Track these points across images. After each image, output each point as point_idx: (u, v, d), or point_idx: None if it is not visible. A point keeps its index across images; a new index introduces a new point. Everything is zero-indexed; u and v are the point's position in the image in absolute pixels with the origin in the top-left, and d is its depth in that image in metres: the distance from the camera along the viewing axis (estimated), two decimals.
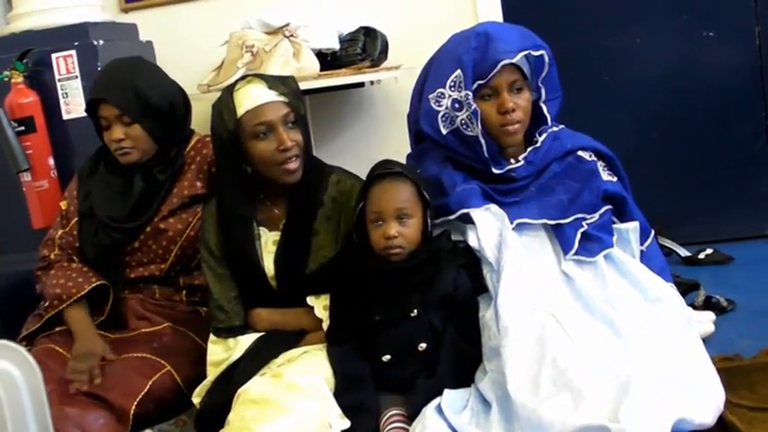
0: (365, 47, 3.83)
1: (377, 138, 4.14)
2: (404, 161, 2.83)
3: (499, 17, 4.14)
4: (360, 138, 4.18)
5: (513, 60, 2.60)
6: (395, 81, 3.94)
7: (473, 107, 2.62)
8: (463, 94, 2.63)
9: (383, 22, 4.02)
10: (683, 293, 3.21)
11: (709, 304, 3.28)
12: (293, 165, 2.63)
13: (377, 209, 2.52)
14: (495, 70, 2.60)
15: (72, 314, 2.88)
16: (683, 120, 4.24)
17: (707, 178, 4.28)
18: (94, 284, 2.90)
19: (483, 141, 2.64)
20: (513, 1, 4.22)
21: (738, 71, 4.21)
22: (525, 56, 2.65)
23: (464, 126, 2.66)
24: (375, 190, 2.54)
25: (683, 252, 4.02)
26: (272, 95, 2.63)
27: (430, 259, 2.53)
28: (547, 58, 2.71)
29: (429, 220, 2.59)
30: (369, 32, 3.90)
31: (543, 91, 2.75)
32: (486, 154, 2.66)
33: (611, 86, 4.23)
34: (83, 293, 2.88)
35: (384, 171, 2.56)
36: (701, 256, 3.98)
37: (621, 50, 4.24)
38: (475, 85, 2.63)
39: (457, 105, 2.66)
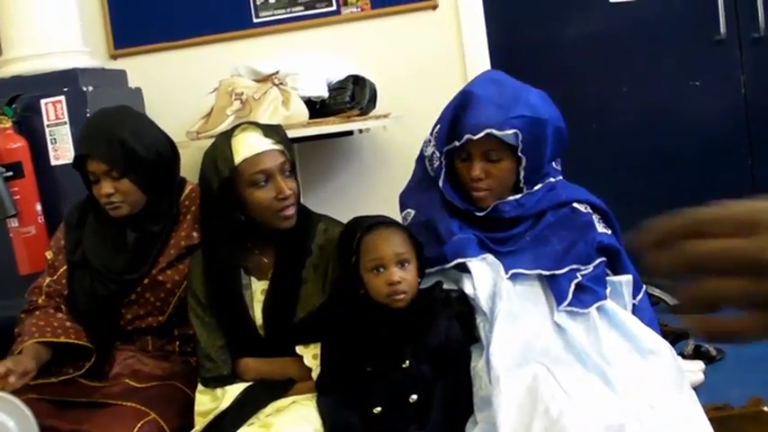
0: (354, 95, 3.84)
1: (365, 186, 4.15)
2: (395, 207, 2.85)
3: (487, 65, 4.16)
4: (349, 186, 4.19)
5: (475, 138, 2.61)
6: (383, 129, 3.95)
7: (439, 164, 2.68)
8: (437, 150, 2.68)
9: (372, 71, 4.05)
10: (673, 342, 3.21)
11: (698, 353, 3.28)
12: (290, 212, 2.64)
13: (376, 256, 2.51)
14: (463, 141, 2.62)
15: (31, 347, 2.80)
16: (670, 167, 4.27)
17: None
18: (71, 341, 2.86)
19: (448, 197, 2.67)
20: (501, 50, 4.23)
21: (724, 119, 4.25)
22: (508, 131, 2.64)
23: (436, 177, 2.70)
24: (371, 239, 2.53)
25: (672, 301, 4.02)
26: (268, 144, 2.64)
27: (422, 309, 2.52)
28: (522, 135, 2.63)
29: (422, 267, 2.59)
30: (357, 81, 3.92)
31: (524, 160, 2.69)
32: (459, 206, 2.68)
33: (599, 134, 4.25)
34: (55, 340, 2.84)
35: (375, 221, 2.56)
36: None
37: (609, 98, 4.27)
38: (451, 144, 2.66)
39: (435, 155, 2.69)
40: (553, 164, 2.84)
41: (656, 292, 4.01)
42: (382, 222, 2.56)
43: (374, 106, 3.95)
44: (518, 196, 2.73)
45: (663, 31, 4.25)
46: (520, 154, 2.66)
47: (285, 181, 2.62)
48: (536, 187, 2.75)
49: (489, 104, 2.65)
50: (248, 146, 2.63)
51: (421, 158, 2.87)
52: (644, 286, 2.83)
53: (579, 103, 4.23)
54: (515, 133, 2.61)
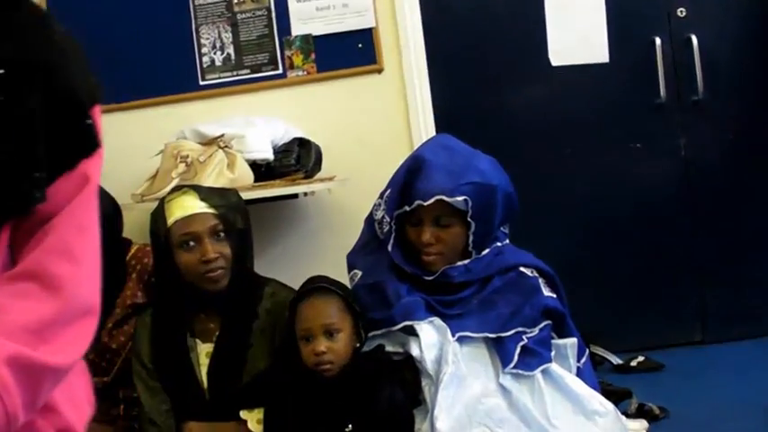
0: (299, 158, 3.85)
1: (313, 248, 4.14)
2: (343, 270, 2.86)
3: (432, 129, 4.20)
4: (296, 248, 4.18)
5: (426, 204, 2.64)
6: (328, 192, 3.97)
7: (389, 228, 2.72)
8: (387, 214, 2.71)
9: (318, 134, 4.06)
10: (616, 402, 3.23)
11: (642, 412, 3.30)
12: (215, 274, 2.65)
13: (305, 326, 2.53)
14: (414, 207, 2.65)
15: None
16: (612, 229, 4.31)
17: (637, 286, 4.34)
18: None
19: (397, 261, 2.70)
20: (446, 114, 4.27)
21: (666, 182, 4.31)
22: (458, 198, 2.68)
23: (386, 242, 2.72)
24: (302, 307, 2.55)
25: (615, 360, 4.05)
26: (201, 207, 2.66)
27: (364, 374, 2.53)
28: (471, 202, 2.68)
29: (361, 332, 2.60)
30: (303, 143, 3.93)
31: (473, 225, 2.73)
32: (408, 270, 2.70)
33: (543, 198, 4.28)
34: None
35: (311, 287, 2.58)
36: (633, 363, 4.00)
37: (552, 162, 4.31)
38: (402, 209, 2.69)
39: (385, 220, 2.72)
40: (502, 228, 2.87)
41: (600, 350, 4.05)
42: (318, 290, 2.57)
43: (320, 169, 3.96)
44: (466, 261, 2.77)
45: (605, 95, 4.31)
46: (469, 219, 2.69)
47: (214, 244, 2.64)
48: (484, 252, 2.79)
49: (440, 171, 2.69)
50: (181, 208, 2.66)
51: (370, 220, 2.90)
52: (587, 349, 2.87)
53: (523, 167, 4.19)
54: (465, 200, 2.65)
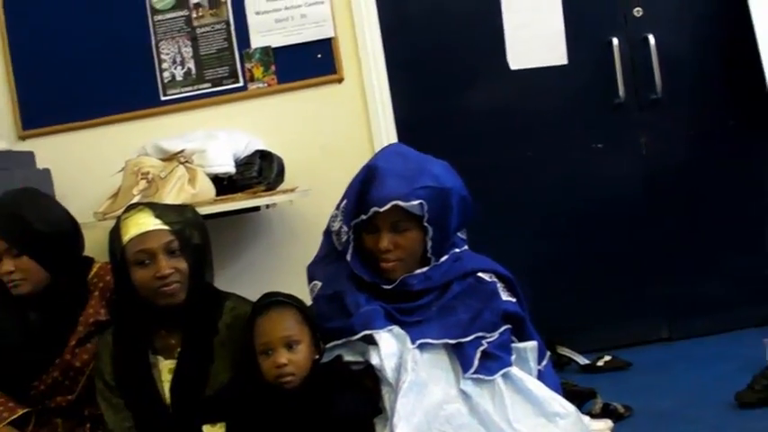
0: (261, 170, 3.86)
1: (275, 260, 4.16)
2: (304, 284, 2.88)
3: (393, 137, 4.22)
4: (259, 261, 4.20)
5: (382, 210, 2.66)
6: (290, 204, 3.98)
7: (347, 238, 2.72)
8: (344, 224, 2.72)
9: (280, 145, 4.08)
10: (581, 402, 3.27)
11: (606, 411, 3.32)
12: (169, 289, 2.66)
13: (264, 340, 2.54)
14: (370, 214, 2.67)
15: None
16: (576, 230, 4.33)
17: (603, 286, 4.37)
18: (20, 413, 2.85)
19: (357, 271, 2.71)
20: (407, 121, 4.30)
21: (627, 181, 4.34)
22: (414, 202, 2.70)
23: (344, 252, 2.74)
24: (260, 321, 2.57)
25: (582, 360, 4.08)
26: (156, 224, 2.67)
27: (324, 385, 2.54)
28: (427, 205, 2.70)
29: (320, 344, 2.62)
30: (265, 156, 3.94)
31: (430, 230, 2.76)
32: (367, 279, 2.72)
33: (506, 200, 4.31)
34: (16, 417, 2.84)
35: (266, 301, 2.59)
36: (600, 363, 4.02)
37: (515, 164, 4.33)
38: (359, 218, 2.70)
39: (343, 230, 2.73)
40: (459, 234, 2.89)
41: (567, 351, 4.08)
42: (275, 303, 2.59)
43: (282, 180, 3.97)
44: (425, 269, 2.78)
45: (564, 96, 4.34)
46: (426, 224, 2.71)
47: (169, 260, 2.65)
48: (442, 259, 2.81)
49: (394, 177, 2.71)
50: (135, 226, 2.68)
51: (328, 232, 2.91)
52: (548, 352, 2.89)
53: (485, 170, 4.27)
54: (421, 203, 2.67)
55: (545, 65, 4.32)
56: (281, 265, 4.09)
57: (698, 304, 4.33)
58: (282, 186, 3.97)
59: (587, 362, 4.07)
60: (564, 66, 4.32)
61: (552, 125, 4.34)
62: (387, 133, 4.22)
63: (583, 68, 4.32)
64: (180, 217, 2.73)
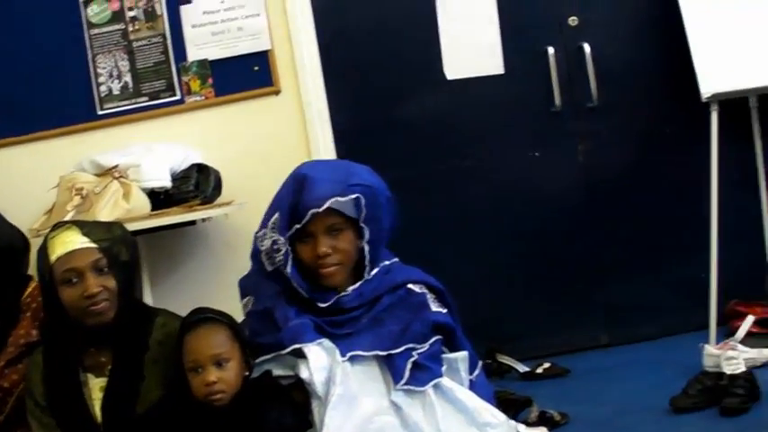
0: (198, 184, 3.85)
1: (211, 274, 4.14)
2: (239, 298, 2.87)
3: (331, 149, 4.23)
4: (194, 275, 4.18)
5: (321, 210, 2.66)
6: (225, 217, 3.98)
7: (285, 250, 2.68)
8: (279, 237, 2.70)
9: (217, 158, 4.08)
10: (517, 411, 3.29)
11: (543, 419, 3.34)
12: (98, 308, 2.64)
13: (193, 357, 2.53)
14: (307, 219, 2.67)
15: None
16: (515, 238, 4.36)
17: (542, 293, 4.40)
18: None
19: (296, 284, 2.70)
20: (345, 132, 4.30)
21: (565, 189, 4.38)
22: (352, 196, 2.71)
23: (282, 266, 2.72)
24: (189, 338, 2.56)
25: (522, 368, 4.09)
26: (83, 242, 2.65)
27: (253, 401, 2.54)
28: (364, 200, 2.71)
29: (249, 360, 2.61)
30: (201, 169, 3.93)
31: (366, 231, 2.77)
32: (305, 294, 2.71)
33: (447, 210, 4.33)
34: None
35: (195, 318, 2.58)
36: (539, 370, 4.05)
37: (454, 174, 4.35)
38: (293, 229, 2.69)
39: (275, 247, 2.72)
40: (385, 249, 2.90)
41: (507, 359, 4.10)
42: (204, 320, 2.58)
43: (219, 194, 3.97)
44: (357, 285, 2.78)
45: (501, 106, 4.36)
46: (362, 225, 2.72)
47: (97, 278, 2.63)
48: (372, 272, 2.81)
49: (325, 180, 2.72)
50: (62, 245, 2.66)
51: (255, 254, 2.88)
52: (480, 362, 2.90)
53: (424, 180, 4.31)
54: (358, 198, 2.68)
55: (482, 74, 4.35)
56: (217, 278, 4.08)
57: (637, 310, 4.37)
58: (220, 199, 3.96)
59: (527, 369, 4.09)
60: (500, 75, 4.35)
61: (489, 134, 4.37)
62: (324, 145, 4.23)
63: (519, 78, 4.35)
64: (108, 234, 2.71)
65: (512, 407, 3.20)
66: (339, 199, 2.67)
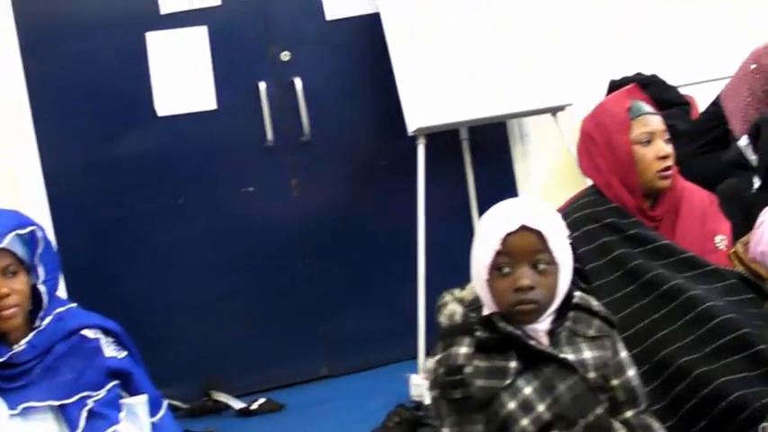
0: None
1: None
2: None
3: (42, 194, 4.15)
4: None
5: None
6: None
7: None
8: None
9: None
10: None
11: None
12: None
13: None
14: None
15: None
16: (230, 274, 4.34)
17: (259, 328, 4.40)
18: None
19: None
20: (56, 174, 4.19)
21: (279, 223, 4.42)
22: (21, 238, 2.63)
23: None
24: None
25: (238, 404, 4.07)
26: None
27: None
28: (40, 234, 2.65)
29: None
30: None
31: (41, 271, 2.69)
32: None
33: (159, 249, 4.27)
34: None
35: None
36: (254, 406, 4.04)
37: (166, 212, 4.30)
38: None
39: None
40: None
41: (223, 396, 4.08)
42: None
43: None
44: (29, 337, 2.70)
45: (214, 141, 4.34)
46: (36, 263, 2.65)
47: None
48: (45, 322, 2.73)
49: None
50: None
51: None
52: (164, 403, 2.87)
53: (137, 219, 4.23)
54: (32, 231, 2.61)
55: (193, 110, 4.33)
56: None
57: (354, 340, 4.45)
58: None
59: (243, 405, 4.07)
60: (213, 111, 4.36)
61: (203, 171, 4.35)
62: (35, 190, 4.11)
63: (232, 113, 4.37)
64: None
65: None
66: (19, 231, 2.59)
